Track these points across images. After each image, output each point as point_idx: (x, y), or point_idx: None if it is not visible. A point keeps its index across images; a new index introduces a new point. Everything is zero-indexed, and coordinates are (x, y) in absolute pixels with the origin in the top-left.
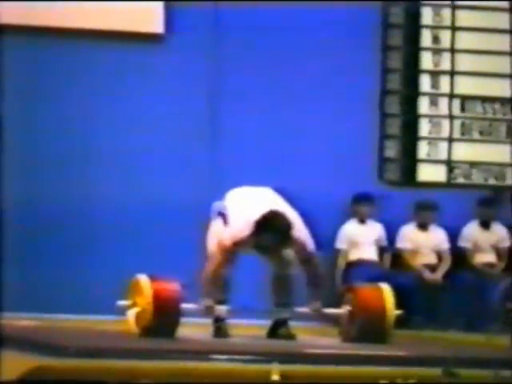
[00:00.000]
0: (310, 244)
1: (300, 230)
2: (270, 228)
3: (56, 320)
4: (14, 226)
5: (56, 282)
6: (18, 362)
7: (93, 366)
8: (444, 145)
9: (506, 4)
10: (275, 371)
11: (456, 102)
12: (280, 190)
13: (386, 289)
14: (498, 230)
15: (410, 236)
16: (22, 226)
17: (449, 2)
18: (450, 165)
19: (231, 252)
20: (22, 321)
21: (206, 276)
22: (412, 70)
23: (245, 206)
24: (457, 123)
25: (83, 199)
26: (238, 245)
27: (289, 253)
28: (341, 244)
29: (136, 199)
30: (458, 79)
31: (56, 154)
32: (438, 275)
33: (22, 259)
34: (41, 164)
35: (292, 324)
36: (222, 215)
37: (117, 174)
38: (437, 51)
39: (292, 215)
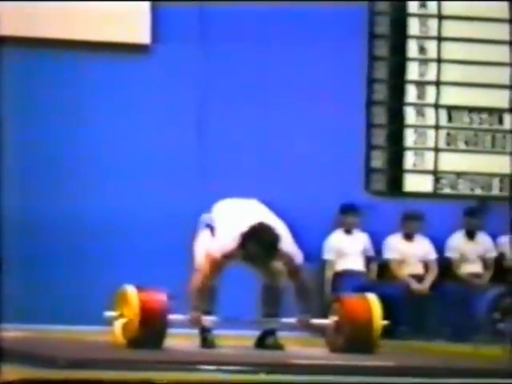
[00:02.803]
0: (297, 256)
1: (288, 243)
2: (258, 240)
3: (43, 331)
4: (1, 238)
5: (44, 292)
6: (6, 373)
7: (80, 376)
8: (430, 155)
9: (492, 14)
10: (262, 382)
11: (442, 112)
12: (267, 202)
13: (372, 299)
14: (484, 240)
15: (396, 246)
16: (9, 237)
17: (435, 13)
18: (436, 175)
19: (219, 264)
20: (9, 332)
21: (193, 287)
22: (398, 80)
23: (232, 218)
24: (442, 133)
25: (70, 211)
26: (225, 257)
27: (277, 264)
28: (328, 255)
29: (124, 210)
30: (444, 89)
31: (46, 164)
32: (425, 285)
33: (10, 270)
34: (29, 174)
35: (280, 334)
36: (210, 227)
37: (104, 184)
38: (423, 61)
39: (280, 227)
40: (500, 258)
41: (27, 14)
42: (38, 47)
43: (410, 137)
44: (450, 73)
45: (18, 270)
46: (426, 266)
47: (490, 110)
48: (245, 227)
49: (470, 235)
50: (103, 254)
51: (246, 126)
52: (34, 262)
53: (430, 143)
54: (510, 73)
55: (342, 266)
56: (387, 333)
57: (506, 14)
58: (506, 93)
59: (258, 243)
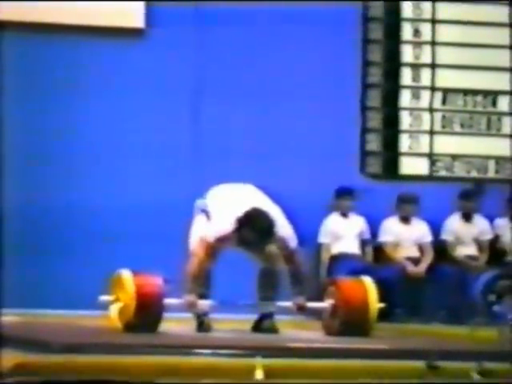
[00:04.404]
0: (292, 241)
1: (283, 227)
2: (253, 225)
3: (39, 315)
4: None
5: (39, 277)
6: (2, 358)
7: (76, 361)
8: (425, 138)
9: None
10: (258, 365)
11: (437, 95)
12: (262, 187)
13: (368, 282)
14: (480, 223)
15: (392, 229)
16: (4, 223)
17: None
18: (431, 157)
19: (214, 248)
20: (4, 316)
21: (188, 272)
22: (393, 64)
23: (227, 203)
24: (438, 116)
25: (67, 198)
26: (220, 241)
27: (273, 248)
28: (324, 238)
29: (119, 196)
30: (439, 72)
31: (44, 150)
32: (421, 268)
33: (5, 255)
34: (28, 161)
35: (275, 318)
36: (205, 212)
37: (98, 170)
38: (417, 44)
39: (275, 212)
40: (496, 240)
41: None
42: (35, 32)
43: (405, 120)
44: (445, 55)
45: (13, 256)
46: (422, 248)
47: (485, 93)
48: (239, 212)
49: (466, 218)
50: (98, 238)
51: (241, 111)
52: (28, 248)
53: (426, 126)
54: (510, 55)
55: (337, 249)
56: (383, 316)
57: None
58: (500, 75)
59: (252, 228)
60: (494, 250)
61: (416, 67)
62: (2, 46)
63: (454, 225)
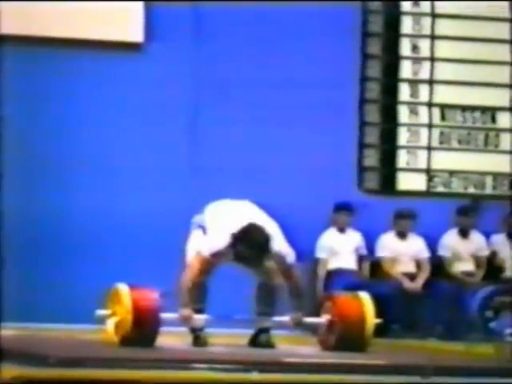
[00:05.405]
0: (289, 256)
1: (279, 242)
2: (249, 240)
3: (36, 329)
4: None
5: (36, 291)
6: (1, 372)
7: (72, 375)
8: (423, 153)
9: (484, 13)
10: (255, 380)
11: (435, 111)
12: (259, 202)
13: (365, 297)
14: (477, 239)
15: (389, 244)
16: (2, 238)
17: (428, 11)
18: (429, 173)
19: (208, 263)
20: (2, 330)
21: (182, 286)
22: (391, 79)
23: (223, 219)
24: (436, 132)
25: (64, 210)
26: (215, 257)
27: (270, 263)
28: (320, 253)
29: (117, 209)
30: (438, 88)
31: (39, 166)
32: (418, 284)
33: (3, 270)
34: (20, 176)
35: (272, 332)
36: (202, 228)
37: (97, 183)
38: (416, 60)
39: (272, 228)
40: (492, 256)
41: (24, 13)
42: (34, 45)
43: (403, 135)
44: (443, 71)
45: (11, 270)
46: (419, 264)
47: (483, 109)
48: (236, 228)
49: (463, 234)
50: (96, 253)
51: (239, 125)
52: (26, 261)
53: (423, 142)
54: (510, 71)
55: (334, 264)
56: (379, 331)
57: (498, 13)
58: (499, 91)
59: (248, 244)
60: (490, 266)
61: (414, 83)
62: (1, 59)
63: (450, 241)
